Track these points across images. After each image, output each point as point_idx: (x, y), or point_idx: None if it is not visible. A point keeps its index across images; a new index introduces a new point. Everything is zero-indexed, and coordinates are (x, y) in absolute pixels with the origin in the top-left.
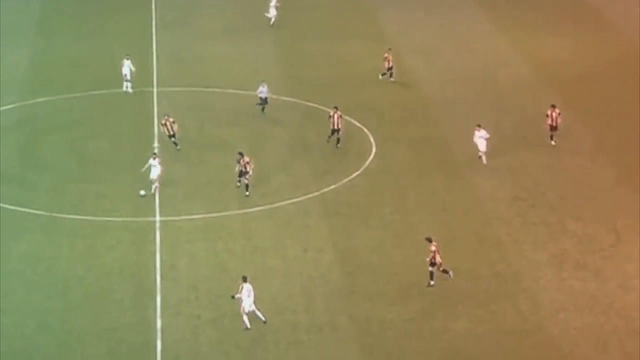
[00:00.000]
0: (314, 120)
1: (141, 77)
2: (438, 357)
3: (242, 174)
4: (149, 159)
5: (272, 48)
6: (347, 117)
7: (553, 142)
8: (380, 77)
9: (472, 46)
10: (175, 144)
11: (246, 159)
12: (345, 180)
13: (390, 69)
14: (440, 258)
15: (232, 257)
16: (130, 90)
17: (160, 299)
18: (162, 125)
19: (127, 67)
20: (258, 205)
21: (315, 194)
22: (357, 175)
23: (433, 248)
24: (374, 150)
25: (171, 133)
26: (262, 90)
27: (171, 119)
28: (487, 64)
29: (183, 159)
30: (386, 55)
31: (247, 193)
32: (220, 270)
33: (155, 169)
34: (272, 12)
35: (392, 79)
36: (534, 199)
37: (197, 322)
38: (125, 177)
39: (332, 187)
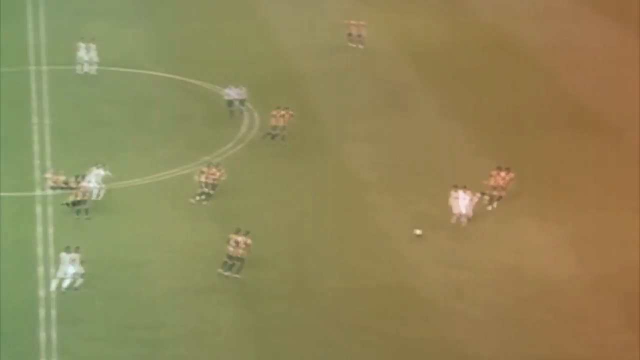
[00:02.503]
0: (193, 95)
1: (18, 54)
2: (308, 316)
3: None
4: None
5: (153, 26)
6: (221, 91)
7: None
8: (350, 44)
9: (343, 22)
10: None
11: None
12: (220, 151)
13: (359, 36)
14: None
15: (115, 228)
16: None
17: (44, 271)
18: None
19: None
20: (138, 177)
21: (192, 165)
22: (239, 148)
23: None
24: (246, 122)
25: None
26: (229, 93)
27: None
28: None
29: (62, 135)
30: (352, 23)
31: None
32: (103, 242)
33: None
34: None
35: (361, 46)
36: (396, 163)
37: (79, 293)
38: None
39: (207, 158)
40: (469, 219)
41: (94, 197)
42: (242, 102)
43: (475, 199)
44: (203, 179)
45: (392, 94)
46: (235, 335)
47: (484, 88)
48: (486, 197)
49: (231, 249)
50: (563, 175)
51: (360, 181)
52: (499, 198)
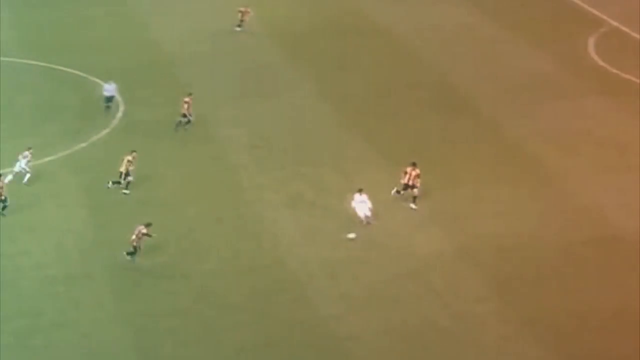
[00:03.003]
0: (63, 83)
1: None
2: (189, 297)
3: None
4: None
5: (18, 12)
6: (94, 79)
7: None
8: (237, 28)
9: (208, 7)
10: None
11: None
12: (95, 138)
13: (241, 21)
14: None
15: None
16: None
17: None
18: None
19: None
20: (9, 167)
21: (67, 152)
22: (107, 133)
23: None
24: (121, 109)
25: None
26: (108, 89)
27: None
28: (226, 22)
29: None
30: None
31: None
32: None
33: None
34: None
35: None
36: (270, 146)
37: None
38: None
39: (83, 145)
40: (370, 221)
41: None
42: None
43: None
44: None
45: (265, 78)
46: (114, 321)
47: (353, 70)
48: (401, 193)
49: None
50: (429, 152)
51: (235, 164)
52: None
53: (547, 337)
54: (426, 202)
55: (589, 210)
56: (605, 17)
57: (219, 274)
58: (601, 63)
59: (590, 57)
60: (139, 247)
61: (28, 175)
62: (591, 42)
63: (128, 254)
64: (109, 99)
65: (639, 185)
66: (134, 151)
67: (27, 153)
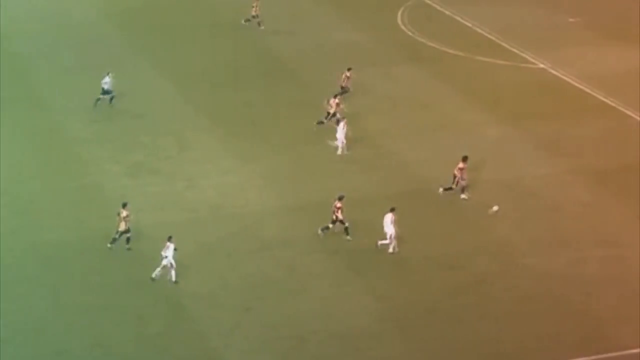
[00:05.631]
0: None
1: None
2: (33, 267)
3: None
4: None
5: None
6: None
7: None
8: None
9: None
10: None
11: None
12: None
13: (255, 16)
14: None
15: None
16: None
17: None
18: None
19: None
20: None
21: None
22: None
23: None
24: None
25: None
26: (107, 81)
27: None
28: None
29: None
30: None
31: None
32: None
33: None
34: None
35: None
36: (109, 118)
37: None
38: None
39: None
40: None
41: None
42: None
43: None
44: None
45: (101, 51)
46: None
47: (186, 44)
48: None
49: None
50: (259, 119)
51: (75, 137)
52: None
53: (372, 281)
54: (258, 164)
55: (404, 165)
56: None
57: (63, 243)
58: (409, 33)
59: (399, 27)
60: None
61: None
62: (400, 14)
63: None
64: (107, 92)
65: (444, 141)
66: None
67: None
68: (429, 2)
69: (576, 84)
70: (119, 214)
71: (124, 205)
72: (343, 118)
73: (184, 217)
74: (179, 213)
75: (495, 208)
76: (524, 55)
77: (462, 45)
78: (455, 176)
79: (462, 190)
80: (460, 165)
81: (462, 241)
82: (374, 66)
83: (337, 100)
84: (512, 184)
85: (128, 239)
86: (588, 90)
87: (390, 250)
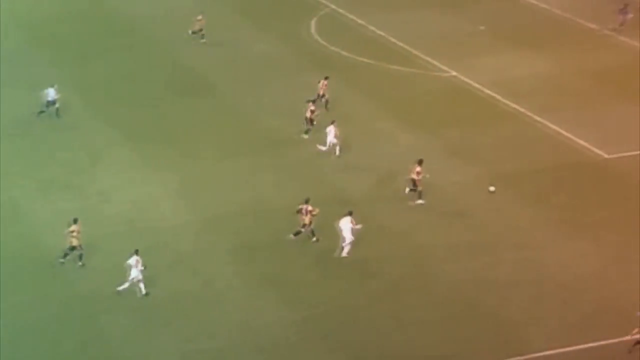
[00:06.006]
0: None
1: None
2: None
3: None
4: None
5: None
6: None
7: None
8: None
9: None
10: None
11: None
12: None
13: (198, 30)
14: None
15: None
16: None
17: None
18: None
19: None
20: None
21: None
22: None
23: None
24: None
25: None
26: (49, 93)
27: None
28: None
29: None
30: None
31: None
32: None
33: None
34: None
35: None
36: (23, 133)
37: None
38: None
39: None
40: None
41: None
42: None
43: None
44: None
45: (10, 64)
46: None
47: (95, 57)
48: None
49: None
50: (174, 131)
51: None
52: None
53: (291, 291)
54: (173, 177)
55: (321, 175)
56: (324, 1)
57: None
58: (322, 42)
59: (312, 37)
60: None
61: None
62: (313, 24)
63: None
64: (51, 103)
65: (360, 150)
66: None
67: None
68: (341, 11)
69: (486, 91)
70: (69, 230)
71: (75, 221)
72: (333, 121)
73: (98, 232)
74: (93, 228)
75: (492, 188)
76: (434, 63)
77: (375, 54)
78: (414, 180)
79: (419, 196)
80: (418, 169)
81: (379, 248)
82: (290, 76)
83: (312, 107)
84: (427, 192)
85: (81, 256)
86: (498, 97)
87: (344, 254)
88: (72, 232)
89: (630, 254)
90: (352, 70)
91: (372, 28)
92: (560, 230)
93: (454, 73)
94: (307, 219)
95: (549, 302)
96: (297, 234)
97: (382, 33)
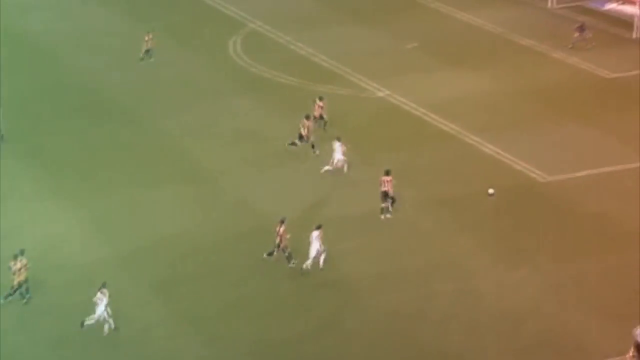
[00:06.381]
0: None
1: None
2: None
3: None
4: None
5: None
6: None
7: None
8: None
9: None
10: None
11: None
12: None
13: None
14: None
15: None
16: None
17: None
18: None
19: None
20: None
21: None
22: None
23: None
24: None
25: None
26: None
27: None
28: None
29: None
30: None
31: None
32: None
33: None
34: None
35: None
36: None
37: None
38: None
39: None
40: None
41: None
42: None
43: None
44: None
45: None
46: None
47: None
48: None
49: None
50: (86, 160)
51: None
52: None
53: (208, 331)
54: (87, 209)
55: (241, 203)
56: (245, 19)
57: None
58: (242, 63)
59: (232, 57)
60: None
61: None
62: (233, 43)
63: None
64: None
65: (285, 176)
66: None
67: None
68: (266, 28)
69: (420, 111)
70: (17, 265)
71: (22, 252)
72: (338, 138)
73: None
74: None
75: (491, 191)
76: (365, 82)
77: (301, 74)
78: (386, 193)
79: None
80: (388, 178)
81: (307, 281)
82: (213, 98)
83: (308, 123)
84: (357, 218)
85: (27, 289)
86: (432, 117)
87: (304, 266)
88: (20, 267)
89: (567, 282)
90: (276, 92)
91: (299, 46)
92: (497, 258)
93: (386, 93)
94: (281, 240)
95: (485, 334)
96: (270, 254)
97: (309, 51)
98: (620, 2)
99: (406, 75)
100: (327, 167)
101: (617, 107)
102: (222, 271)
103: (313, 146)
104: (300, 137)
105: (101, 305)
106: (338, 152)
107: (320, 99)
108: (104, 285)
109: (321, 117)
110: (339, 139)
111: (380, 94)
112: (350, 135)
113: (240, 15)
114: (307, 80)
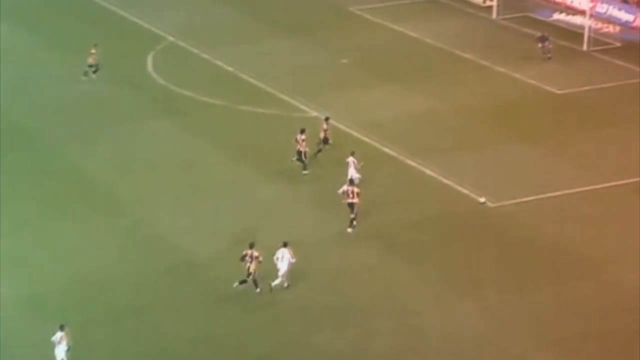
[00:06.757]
0: None
1: None
2: None
3: None
4: None
5: None
6: None
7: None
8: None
9: None
10: None
11: None
12: None
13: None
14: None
15: None
16: None
17: None
18: None
19: None
20: None
21: None
22: None
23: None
24: None
25: None
26: None
27: None
28: None
29: None
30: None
31: None
32: None
33: None
34: None
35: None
36: None
37: None
38: None
39: None
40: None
41: None
42: None
43: None
44: None
45: None
46: None
47: None
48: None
49: None
50: None
51: None
52: None
53: None
54: None
55: (161, 237)
56: (162, 33)
57: None
58: (160, 81)
59: (149, 75)
60: None
61: None
62: (150, 60)
63: None
64: None
65: (208, 206)
66: None
67: None
68: (182, 44)
69: (354, 133)
70: None
71: None
72: (353, 152)
73: None
74: None
75: (482, 199)
76: (293, 102)
77: (222, 93)
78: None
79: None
80: (302, 137)
81: (243, 321)
82: (124, 121)
83: (303, 137)
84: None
85: None
86: (367, 139)
87: (275, 283)
88: None
89: (514, 315)
90: (196, 112)
91: (219, 63)
92: (441, 291)
93: (315, 113)
94: (252, 266)
95: None
96: (242, 282)
97: (230, 69)
98: (569, 12)
99: (339, 93)
100: (342, 187)
101: (568, 125)
102: (141, 311)
103: (305, 166)
104: (299, 153)
105: (59, 347)
106: (351, 168)
107: (326, 119)
108: (62, 328)
109: (326, 140)
110: (353, 154)
111: (310, 115)
112: (277, 161)
113: (160, 28)
114: (229, 101)
